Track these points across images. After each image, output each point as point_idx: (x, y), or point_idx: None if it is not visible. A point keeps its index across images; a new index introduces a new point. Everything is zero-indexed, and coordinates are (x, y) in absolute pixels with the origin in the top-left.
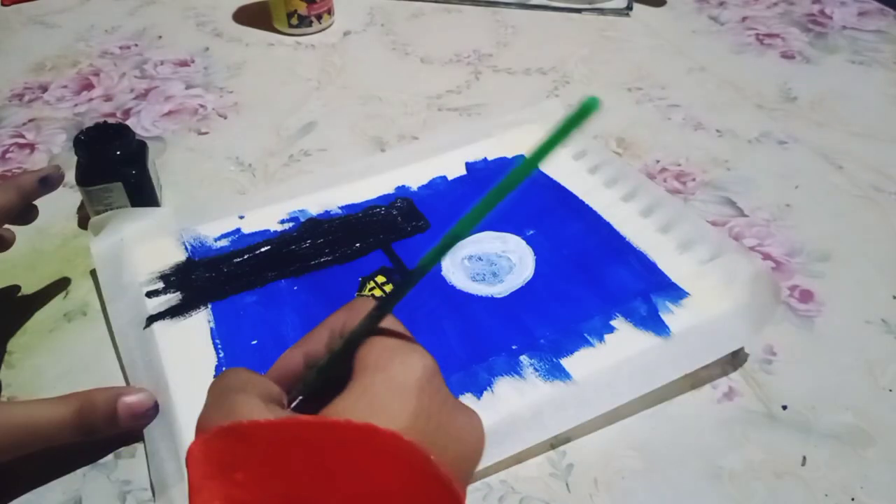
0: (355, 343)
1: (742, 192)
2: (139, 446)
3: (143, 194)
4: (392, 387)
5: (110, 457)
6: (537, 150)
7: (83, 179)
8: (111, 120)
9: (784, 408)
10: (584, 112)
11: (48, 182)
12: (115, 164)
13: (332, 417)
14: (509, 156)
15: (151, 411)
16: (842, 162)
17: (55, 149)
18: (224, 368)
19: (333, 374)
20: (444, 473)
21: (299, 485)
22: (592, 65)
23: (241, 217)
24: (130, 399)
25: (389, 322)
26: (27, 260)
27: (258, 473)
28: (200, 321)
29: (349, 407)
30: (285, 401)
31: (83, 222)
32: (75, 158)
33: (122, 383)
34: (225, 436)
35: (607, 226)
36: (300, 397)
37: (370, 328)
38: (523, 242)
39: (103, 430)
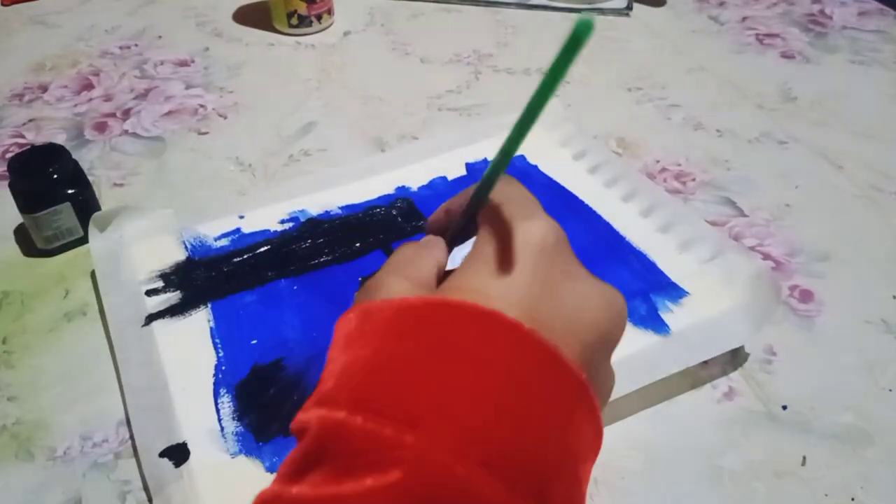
0: (477, 200)
1: (742, 192)
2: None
3: (90, 208)
4: (507, 253)
5: (110, 457)
6: (549, 75)
7: (28, 207)
8: (110, 121)
9: (784, 408)
10: (578, 35)
11: None
12: (57, 187)
13: (449, 298)
14: None
15: None
16: (842, 162)
17: None
18: (223, 368)
19: (468, 232)
20: (568, 362)
21: (408, 360)
22: (592, 65)
23: (241, 217)
24: None
25: (515, 188)
26: (27, 260)
27: (374, 349)
28: (200, 320)
29: (467, 278)
30: (445, 260)
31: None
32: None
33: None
34: (359, 314)
35: (607, 226)
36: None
37: (489, 183)
38: None
39: None
